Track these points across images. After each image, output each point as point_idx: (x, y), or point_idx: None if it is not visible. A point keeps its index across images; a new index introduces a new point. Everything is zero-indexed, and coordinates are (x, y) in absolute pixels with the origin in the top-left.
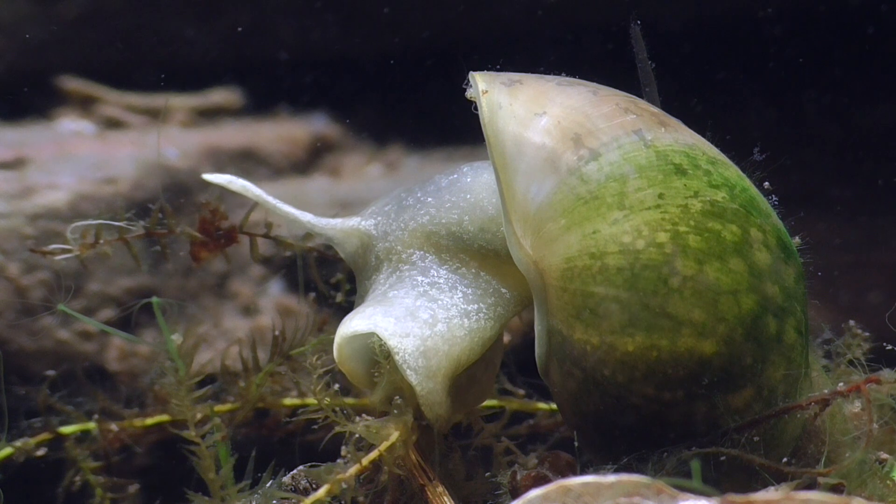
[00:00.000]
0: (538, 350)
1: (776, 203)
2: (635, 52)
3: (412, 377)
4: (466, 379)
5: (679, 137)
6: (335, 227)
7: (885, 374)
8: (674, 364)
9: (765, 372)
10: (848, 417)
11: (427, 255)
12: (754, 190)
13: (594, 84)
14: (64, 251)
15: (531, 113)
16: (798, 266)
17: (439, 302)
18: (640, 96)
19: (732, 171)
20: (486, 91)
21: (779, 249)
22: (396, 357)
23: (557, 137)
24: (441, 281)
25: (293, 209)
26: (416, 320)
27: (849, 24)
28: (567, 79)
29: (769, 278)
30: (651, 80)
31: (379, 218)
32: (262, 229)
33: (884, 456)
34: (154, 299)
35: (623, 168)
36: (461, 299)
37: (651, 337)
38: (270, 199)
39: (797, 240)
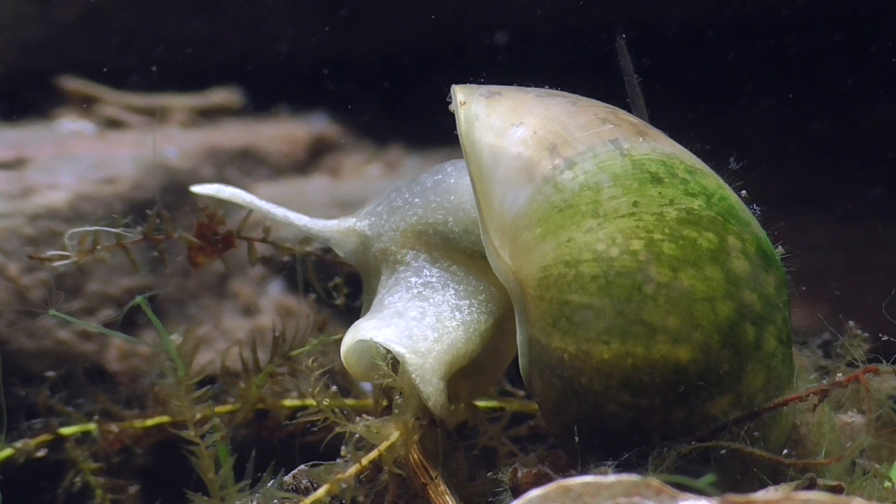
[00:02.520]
0: (521, 361)
1: (757, 212)
2: (622, 66)
3: (398, 349)
4: (475, 366)
5: (657, 147)
6: (331, 228)
7: (883, 367)
8: (650, 371)
9: (743, 380)
10: (837, 427)
11: (420, 254)
12: (734, 199)
13: (575, 95)
14: (62, 257)
15: (508, 123)
16: (780, 275)
17: (431, 300)
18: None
19: (711, 181)
20: (465, 103)
21: (758, 257)
22: (378, 339)
23: (533, 147)
24: (434, 280)
25: (288, 212)
26: (402, 317)
27: (849, 23)
28: (548, 90)
29: (747, 286)
30: (637, 93)
31: (372, 218)
32: (260, 233)
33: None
34: (139, 298)
35: (598, 177)
36: (453, 295)
37: (626, 344)
38: (263, 205)
39: (780, 249)
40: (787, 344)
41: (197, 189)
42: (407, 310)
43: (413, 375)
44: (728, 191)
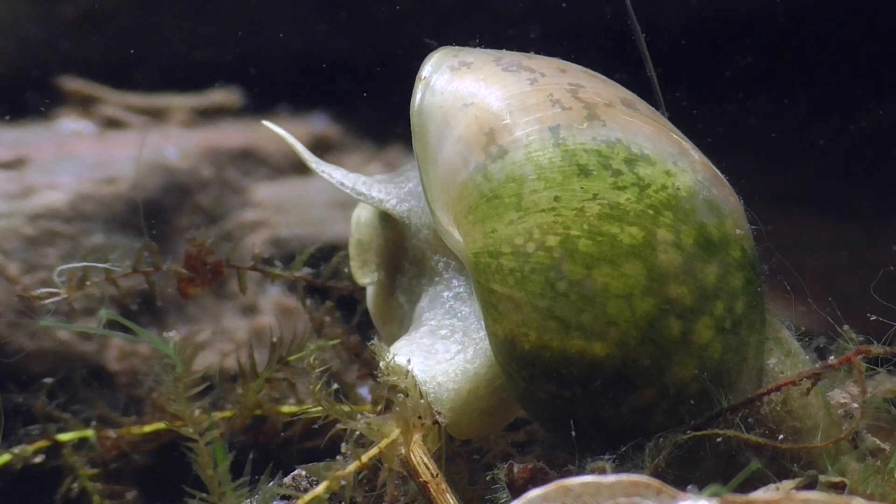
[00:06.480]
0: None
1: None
2: (629, 24)
3: (402, 359)
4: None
5: (601, 133)
6: (373, 201)
7: (875, 347)
8: (566, 364)
9: (668, 372)
10: (808, 403)
11: (450, 261)
12: (681, 187)
13: (555, 64)
14: (51, 294)
15: (460, 103)
16: (727, 261)
17: (459, 314)
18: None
19: (657, 169)
20: (425, 78)
21: (696, 248)
22: (393, 350)
23: (475, 131)
24: (461, 290)
25: (334, 172)
26: (433, 336)
27: (849, 22)
28: (520, 60)
29: (675, 280)
30: (645, 53)
31: (413, 202)
32: (250, 261)
33: (882, 444)
34: (104, 311)
35: (524, 168)
36: None
37: (543, 338)
38: (314, 163)
39: (739, 232)
40: (734, 331)
41: (267, 123)
42: (439, 328)
43: (429, 395)
44: (678, 178)
